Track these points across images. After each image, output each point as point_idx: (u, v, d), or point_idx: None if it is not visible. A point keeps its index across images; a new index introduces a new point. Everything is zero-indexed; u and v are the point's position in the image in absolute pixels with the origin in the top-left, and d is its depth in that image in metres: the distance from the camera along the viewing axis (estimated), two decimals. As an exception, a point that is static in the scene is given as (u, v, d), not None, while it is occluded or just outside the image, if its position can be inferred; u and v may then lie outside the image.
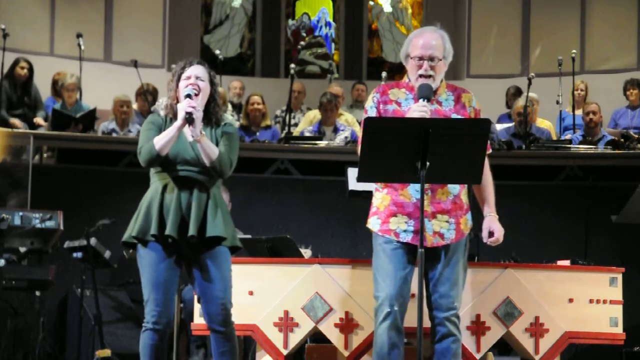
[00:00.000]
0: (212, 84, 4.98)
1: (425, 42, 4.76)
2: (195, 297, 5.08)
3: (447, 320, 4.72)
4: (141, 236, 4.83)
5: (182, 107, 4.77)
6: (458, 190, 4.80)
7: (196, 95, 4.85)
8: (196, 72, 4.92)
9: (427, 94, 4.61)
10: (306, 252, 7.12)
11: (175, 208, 4.79)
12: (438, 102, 4.80)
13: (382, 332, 4.71)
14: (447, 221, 4.75)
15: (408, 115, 4.60)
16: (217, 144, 4.89)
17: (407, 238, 4.72)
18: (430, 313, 4.76)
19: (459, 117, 4.80)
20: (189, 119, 4.74)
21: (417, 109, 4.57)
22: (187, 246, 4.84)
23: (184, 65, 4.96)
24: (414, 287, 4.82)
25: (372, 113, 4.81)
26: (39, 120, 10.41)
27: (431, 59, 4.75)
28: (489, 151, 4.83)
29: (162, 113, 4.99)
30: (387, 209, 4.77)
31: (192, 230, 4.78)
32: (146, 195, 4.92)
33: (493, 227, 4.84)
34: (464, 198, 4.84)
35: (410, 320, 4.79)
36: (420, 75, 4.75)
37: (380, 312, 4.71)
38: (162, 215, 4.81)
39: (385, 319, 4.70)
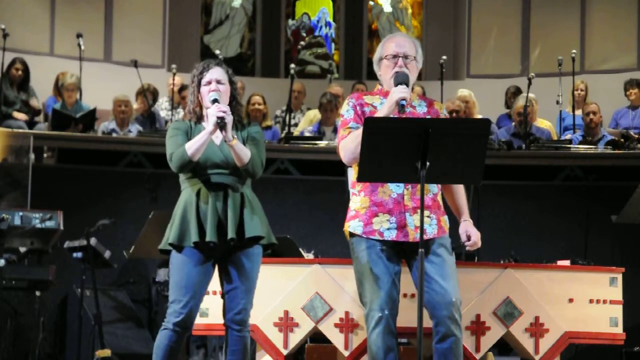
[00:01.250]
0: (231, 83, 4.98)
1: (399, 42, 4.82)
2: (221, 292, 5.04)
3: (448, 319, 4.68)
4: (178, 243, 4.82)
5: (213, 113, 4.77)
6: (437, 190, 4.83)
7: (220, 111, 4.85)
8: (215, 75, 4.92)
9: (404, 79, 4.64)
10: (308, 256, 7.12)
11: (212, 213, 4.80)
12: (412, 106, 4.83)
13: (376, 338, 4.67)
14: (428, 216, 4.75)
15: (390, 97, 4.62)
16: (243, 143, 4.89)
17: (392, 235, 4.71)
18: (429, 312, 4.74)
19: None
20: (221, 124, 4.75)
21: (398, 90, 4.60)
22: (224, 249, 4.84)
23: (202, 69, 4.95)
24: (404, 287, 4.83)
25: (350, 116, 4.82)
26: (34, 102, 10.45)
27: (405, 56, 4.78)
28: None
29: (183, 118, 5.00)
30: (367, 210, 4.75)
31: (231, 233, 4.79)
32: (179, 201, 4.91)
33: (470, 231, 4.85)
34: (440, 201, 4.87)
35: (409, 320, 4.78)
36: (396, 72, 4.77)
37: (371, 318, 4.68)
38: (200, 220, 4.81)
39: (377, 325, 4.67)
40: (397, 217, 4.70)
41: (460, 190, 4.94)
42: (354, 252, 4.80)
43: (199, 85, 4.94)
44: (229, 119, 4.77)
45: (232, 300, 4.87)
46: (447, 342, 4.71)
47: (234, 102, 4.97)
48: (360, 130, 4.45)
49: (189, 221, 4.81)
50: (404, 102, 4.58)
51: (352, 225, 4.80)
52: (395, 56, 4.78)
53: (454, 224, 4.92)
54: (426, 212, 4.73)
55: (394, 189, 4.72)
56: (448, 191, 4.93)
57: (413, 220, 4.70)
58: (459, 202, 4.93)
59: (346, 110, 4.88)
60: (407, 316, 4.87)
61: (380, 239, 4.71)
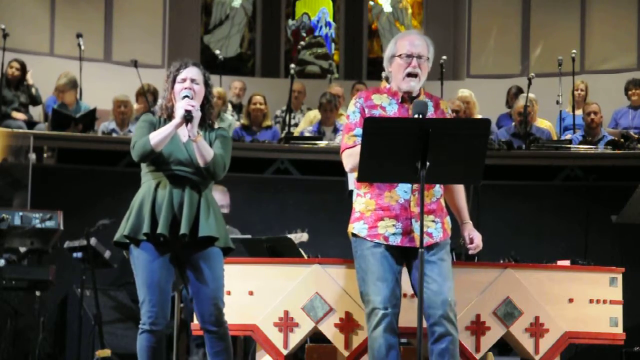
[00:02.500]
0: (207, 85, 4.97)
1: (413, 41, 4.80)
2: (188, 298, 5.07)
3: (444, 318, 4.66)
4: (133, 235, 4.82)
5: (181, 106, 4.77)
6: (440, 193, 4.84)
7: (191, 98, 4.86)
8: (191, 74, 4.92)
9: (422, 110, 4.55)
10: (303, 236, 7.11)
11: (167, 206, 4.78)
12: None
13: (378, 336, 4.67)
14: (433, 220, 4.76)
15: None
16: (210, 146, 4.89)
17: (397, 241, 4.71)
18: (425, 312, 4.71)
19: None
20: (188, 117, 4.74)
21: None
22: (179, 246, 4.83)
23: (179, 67, 4.95)
24: (405, 288, 4.83)
25: (355, 119, 4.80)
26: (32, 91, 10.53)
27: (419, 57, 4.77)
28: None
29: (153, 111, 4.99)
30: (373, 213, 4.74)
31: (184, 229, 4.77)
32: (138, 194, 4.90)
33: (472, 234, 4.88)
34: (443, 202, 4.88)
35: (409, 320, 4.78)
36: (409, 74, 4.76)
37: (374, 316, 4.68)
38: (154, 213, 4.80)
39: (380, 322, 4.66)
40: (403, 223, 4.71)
41: (460, 191, 4.95)
42: (357, 251, 4.80)
43: (173, 81, 4.94)
44: (197, 114, 4.76)
45: (200, 303, 4.86)
46: (444, 342, 4.68)
47: (207, 104, 4.96)
48: None
49: (143, 214, 4.81)
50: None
51: (357, 227, 4.79)
52: (409, 56, 4.76)
53: (455, 223, 4.93)
54: (431, 217, 4.75)
55: (402, 195, 4.71)
56: (448, 192, 4.93)
57: (419, 226, 4.70)
58: (460, 203, 4.94)
59: (352, 111, 4.85)
60: (406, 316, 4.87)
61: (385, 243, 4.71)
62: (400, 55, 4.78)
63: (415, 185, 4.67)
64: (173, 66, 4.99)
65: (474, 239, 4.86)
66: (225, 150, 4.92)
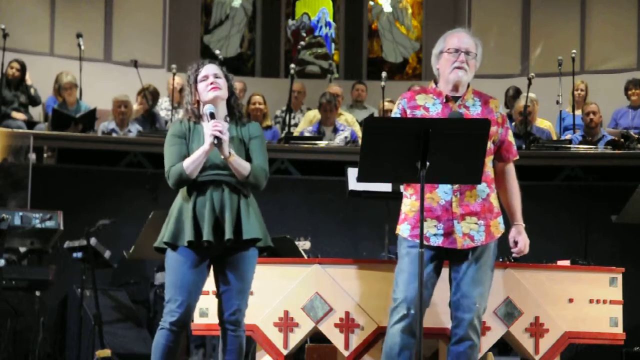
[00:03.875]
0: (227, 79, 4.98)
1: (462, 37, 4.81)
2: (216, 292, 5.05)
3: (467, 323, 4.69)
4: (173, 242, 4.81)
5: (208, 133, 4.76)
6: (487, 193, 4.78)
7: (217, 89, 4.85)
8: (211, 70, 4.93)
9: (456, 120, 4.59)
10: (305, 244, 7.11)
11: (209, 212, 4.78)
12: (465, 107, 4.79)
13: (395, 333, 4.70)
14: (476, 223, 4.73)
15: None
16: (243, 144, 4.88)
17: (438, 242, 4.71)
18: (452, 313, 4.75)
19: None
20: (217, 144, 4.74)
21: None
22: (220, 249, 4.83)
23: (197, 67, 4.96)
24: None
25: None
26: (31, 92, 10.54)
27: (467, 52, 4.77)
28: (516, 157, 4.87)
29: (181, 119, 4.98)
30: (416, 214, 4.73)
31: (229, 234, 4.77)
32: (176, 200, 4.90)
33: (518, 237, 4.86)
34: (494, 202, 4.82)
35: (432, 321, 4.77)
36: (456, 67, 4.75)
37: (396, 314, 4.70)
38: (196, 220, 4.79)
39: (400, 321, 4.68)
40: (445, 224, 4.70)
41: (514, 190, 4.91)
42: (398, 251, 4.82)
43: (195, 82, 4.94)
44: (225, 138, 4.75)
45: (226, 301, 4.86)
46: (463, 346, 4.72)
47: (232, 97, 4.97)
48: None
49: (184, 220, 4.81)
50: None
51: (402, 228, 4.81)
52: (457, 50, 4.77)
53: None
54: (474, 219, 4.73)
55: (442, 196, 4.71)
56: (502, 191, 4.89)
57: (461, 227, 4.70)
58: (511, 203, 4.90)
59: (394, 112, 4.86)
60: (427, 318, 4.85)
61: (426, 243, 4.69)
62: (448, 49, 4.80)
63: (457, 186, 4.67)
64: (190, 69, 4.98)
65: (519, 242, 4.85)
66: (263, 154, 4.93)
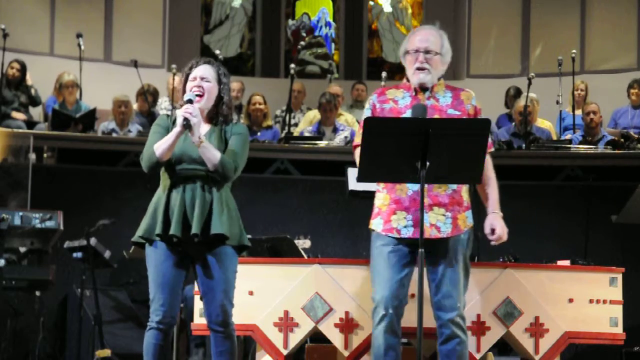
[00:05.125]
0: (220, 83, 4.95)
1: (422, 37, 4.85)
2: (198, 295, 5.08)
3: (451, 322, 4.73)
4: (147, 236, 4.85)
5: (180, 113, 4.77)
6: (457, 185, 4.80)
7: (200, 96, 4.85)
8: (201, 72, 4.92)
9: (420, 113, 4.55)
10: (305, 242, 7.12)
11: (179, 207, 4.79)
12: (435, 98, 4.83)
13: (378, 334, 4.73)
14: (443, 214, 4.75)
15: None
16: (226, 144, 4.88)
17: (409, 233, 4.73)
18: (434, 313, 4.77)
19: (456, 112, 4.81)
20: (187, 125, 4.74)
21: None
22: (192, 245, 4.83)
23: (191, 65, 4.97)
24: (413, 288, 4.83)
25: (367, 115, 4.83)
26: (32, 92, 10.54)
27: (427, 52, 4.79)
28: (491, 149, 4.85)
29: (169, 113, 4.99)
30: (388, 208, 4.78)
31: (195, 229, 4.77)
32: (155, 194, 4.92)
33: (495, 224, 4.82)
34: (465, 195, 4.83)
35: (410, 320, 4.78)
36: (417, 69, 4.79)
37: (376, 315, 4.74)
38: (168, 214, 4.81)
39: (380, 322, 4.72)
40: (414, 215, 4.71)
41: (490, 182, 4.88)
42: (371, 249, 4.84)
43: (186, 80, 4.95)
44: (195, 121, 4.74)
45: (209, 303, 4.86)
46: (451, 343, 4.76)
47: (221, 102, 4.95)
48: None
49: (157, 215, 4.82)
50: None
51: (374, 223, 4.84)
52: (416, 51, 4.80)
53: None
54: (441, 210, 4.74)
55: (410, 187, 4.72)
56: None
57: (429, 217, 4.71)
58: (488, 191, 4.87)
59: (366, 108, 4.91)
60: (407, 316, 4.87)
61: (398, 236, 4.72)
62: (408, 51, 4.84)
63: None
64: (187, 65, 5.00)
65: (496, 229, 4.81)
66: (240, 149, 4.90)
